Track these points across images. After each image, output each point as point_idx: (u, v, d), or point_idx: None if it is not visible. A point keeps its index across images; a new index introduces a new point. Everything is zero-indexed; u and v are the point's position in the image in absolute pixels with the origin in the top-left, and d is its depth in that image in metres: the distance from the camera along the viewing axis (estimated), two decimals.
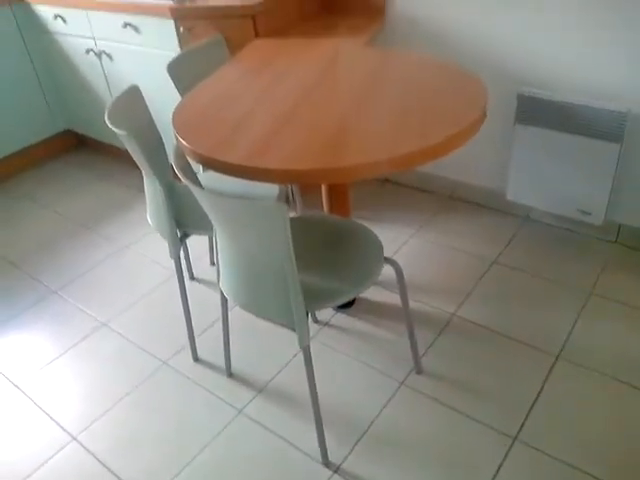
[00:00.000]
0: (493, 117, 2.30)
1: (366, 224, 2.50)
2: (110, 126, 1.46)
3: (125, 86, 2.75)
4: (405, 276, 2.15)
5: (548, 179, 2.20)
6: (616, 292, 2.00)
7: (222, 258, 1.44)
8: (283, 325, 1.35)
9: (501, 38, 2.14)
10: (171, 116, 1.55)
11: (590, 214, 2.17)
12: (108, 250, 2.50)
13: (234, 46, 2.18)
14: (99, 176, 3.12)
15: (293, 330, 1.33)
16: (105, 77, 2.85)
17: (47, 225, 2.73)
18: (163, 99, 2.48)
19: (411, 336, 1.71)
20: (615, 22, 1.87)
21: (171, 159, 1.43)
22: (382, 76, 1.66)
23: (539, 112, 2.09)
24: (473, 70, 2.24)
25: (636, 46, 1.88)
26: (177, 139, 1.43)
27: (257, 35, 2.20)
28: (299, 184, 2.24)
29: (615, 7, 1.85)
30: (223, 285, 1.47)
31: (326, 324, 1.98)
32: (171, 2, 2.28)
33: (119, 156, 3.24)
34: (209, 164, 1.34)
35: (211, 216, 1.30)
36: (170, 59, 1.91)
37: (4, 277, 2.40)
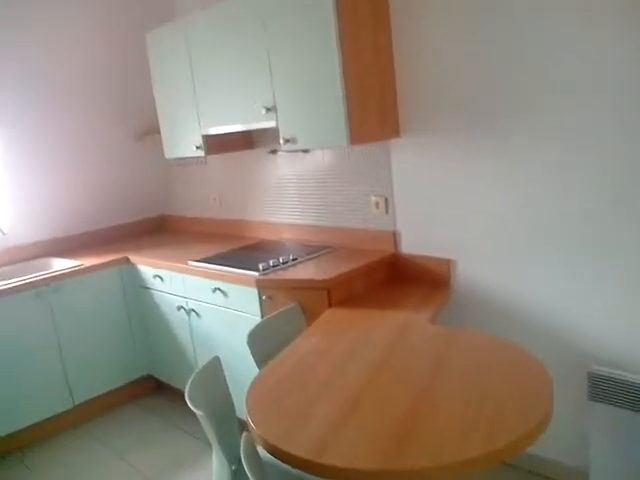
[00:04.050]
0: (564, 392, 2.25)
1: None
2: (189, 404, 1.57)
3: (208, 341, 2.98)
4: None
5: (634, 465, 2.04)
6: None
7: None
8: None
9: (567, 312, 2.21)
10: (246, 392, 1.65)
11: None
12: None
13: (309, 313, 2.37)
14: (172, 424, 3.20)
15: None
16: (190, 331, 3.11)
17: (115, 477, 2.75)
18: (243, 357, 2.64)
19: None
20: None
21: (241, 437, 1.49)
22: (447, 361, 1.73)
23: (613, 392, 2.04)
24: (539, 345, 2.25)
25: None
26: (248, 420, 1.50)
27: (330, 305, 2.40)
28: None
29: None
30: None
31: None
32: (257, 274, 2.58)
33: None
34: (274, 453, 1.37)
35: None
36: (251, 320, 2.09)
37: None
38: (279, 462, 1.50)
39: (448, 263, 2.53)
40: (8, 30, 3.35)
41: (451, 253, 2.52)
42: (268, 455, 1.40)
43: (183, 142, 3.23)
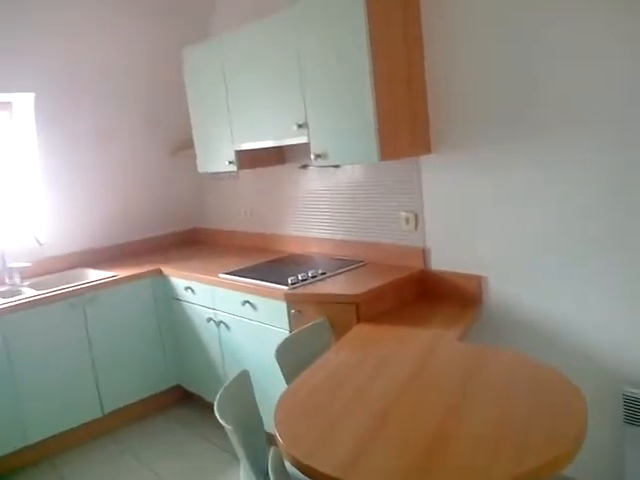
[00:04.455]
0: (599, 413, 2.19)
1: None
2: (219, 419, 1.58)
3: (237, 353, 3.00)
4: None
5: None
6: None
7: None
8: None
9: (602, 331, 2.16)
10: (275, 406, 1.65)
11: None
12: None
13: (337, 328, 2.36)
14: (200, 435, 3.22)
15: None
16: (220, 343, 3.14)
17: None
18: (271, 370, 2.65)
19: None
20: None
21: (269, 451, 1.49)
22: (476, 380, 1.71)
23: None
24: (573, 364, 2.21)
25: None
26: (276, 435, 1.50)
27: (359, 320, 2.39)
28: None
29: None
30: None
31: None
32: (286, 288, 2.59)
33: None
34: (302, 469, 1.37)
35: None
36: (280, 333, 2.10)
37: None
38: (307, 478, 1.51)
39: (479, 280, 2.51)
40: (54, 41, 3.47)
41: (482, 270, 2.50)
42: (296, 470, 1.40)
43: (216, 157, 3.29)
